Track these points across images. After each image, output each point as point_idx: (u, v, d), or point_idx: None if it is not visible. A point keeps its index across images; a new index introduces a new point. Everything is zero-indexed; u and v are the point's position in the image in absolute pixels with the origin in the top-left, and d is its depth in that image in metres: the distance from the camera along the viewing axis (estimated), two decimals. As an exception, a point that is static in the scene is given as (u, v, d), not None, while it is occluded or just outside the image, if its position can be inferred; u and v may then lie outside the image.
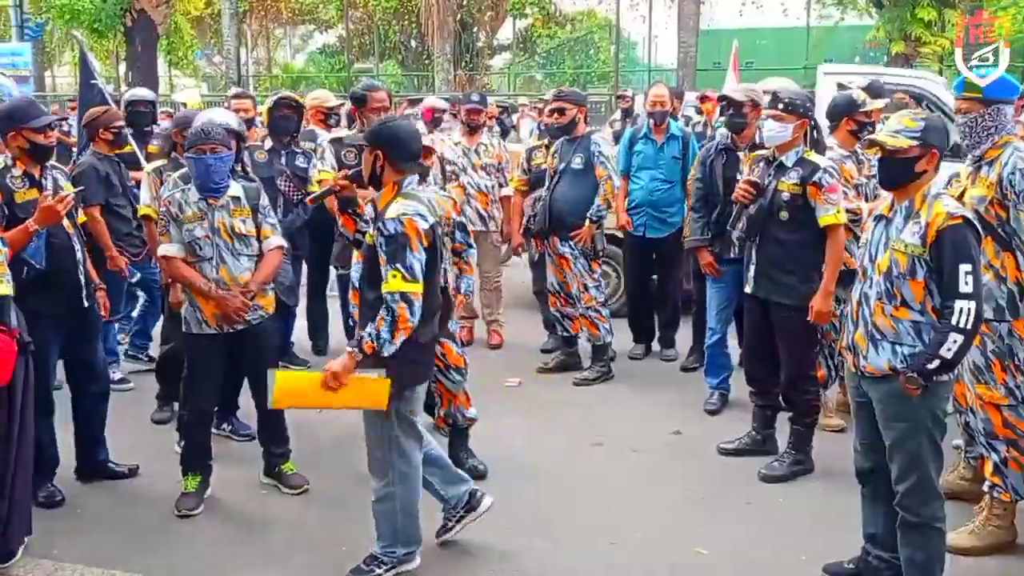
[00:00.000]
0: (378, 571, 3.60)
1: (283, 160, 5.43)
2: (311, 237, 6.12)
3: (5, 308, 3.58)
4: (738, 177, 5.12)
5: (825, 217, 4.33)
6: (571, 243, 5.85)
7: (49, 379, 4.22)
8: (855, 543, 3.59)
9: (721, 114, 5.67)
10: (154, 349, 6.01)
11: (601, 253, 5.97)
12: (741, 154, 5.20)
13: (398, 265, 3.30)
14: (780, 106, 4.39)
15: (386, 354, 3.34)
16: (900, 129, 3.21)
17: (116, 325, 5.99)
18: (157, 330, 5.84)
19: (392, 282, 3.30)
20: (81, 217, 4.45)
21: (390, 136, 3.49)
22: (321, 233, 6.00)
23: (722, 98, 5.36)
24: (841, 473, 4.12)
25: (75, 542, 3.92)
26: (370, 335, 3.30)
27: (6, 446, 3.62)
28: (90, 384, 4.44)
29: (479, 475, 4.54)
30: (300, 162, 5.64)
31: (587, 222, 5.77)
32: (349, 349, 3.36)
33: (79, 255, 4.19)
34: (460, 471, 3.95)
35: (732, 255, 5.21)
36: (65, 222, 4.09)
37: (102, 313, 4.46)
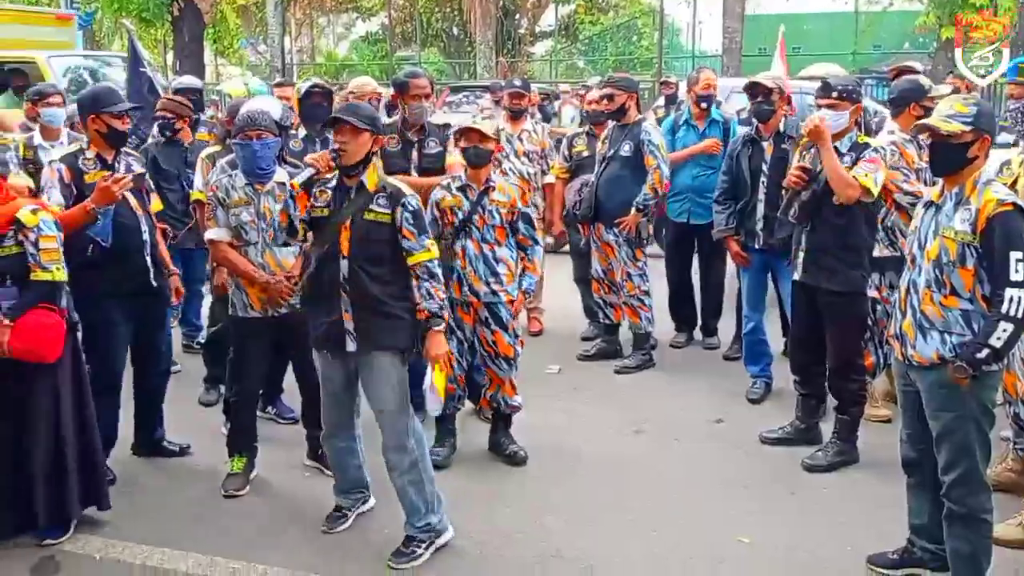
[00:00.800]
0: (419, 551, 3.65)
1: (317, 147, 5.46)
2: None
3: (59, 292, 3.71)
4: (763, 168, 5.07)
5: (855, 174, 4.19)
6: (616, 230, 5.83)
7: (115, 357, 4.31)
8: (900, 534, 3.55)
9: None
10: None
11: (646, 242, 5.94)
12: (765, 144, 5.12)
13: (429, 234, 3.65)
14: (834, 94, 4.31)
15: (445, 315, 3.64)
16: (953, 114, 3.14)
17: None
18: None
19: (433, 249, 3.60)
20: (156, 204, 4.55)
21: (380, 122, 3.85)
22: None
23: (752, 84, 5.25)
24: (886, 464, 4.06)
25: (125, 520, 4.01)
26: (440, 306, 3.58)
27: (60, 420, 3.75)
28: (153, 365, 4.55)
29: (519, 461, 4.57)
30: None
31: (633, 210, 5.74)
32: (436, 328, 3.58)
33: (145, 236, 4.28)
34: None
35: (758, 245, 5.17)
36: (133, 202, 4.23)
37: (173, 299, 4.57)
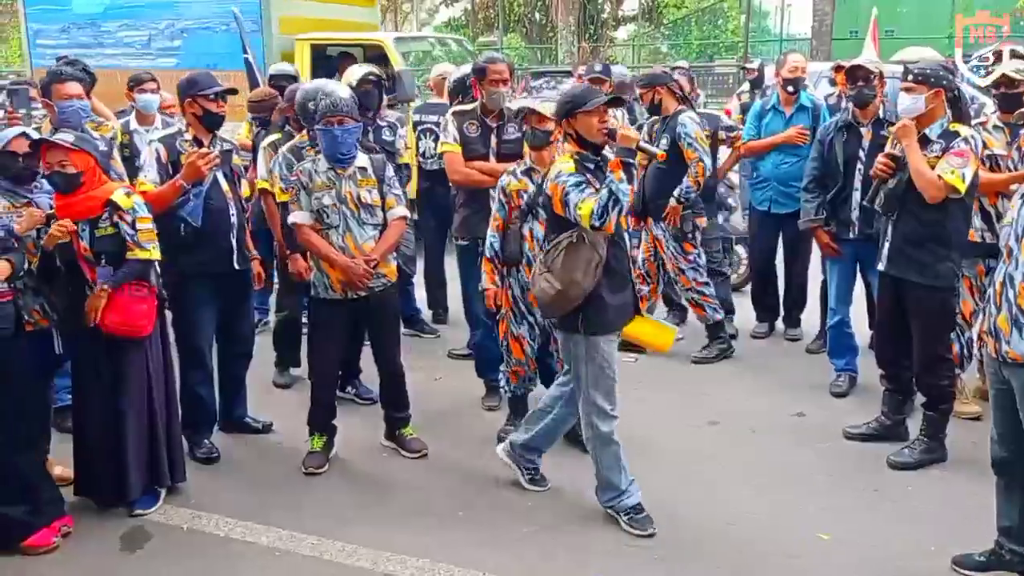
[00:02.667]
0: None
1: (370, 135, 5.50)
2: (426, 209, 6.23)
3: (151, 269, 3.88)
4: (860, 155, 4.89)
5: (941, 172, 4.02)
6: (663, 224, 5.76)
7: (201, 334, 4.45)
8: (987, 535, 3.43)
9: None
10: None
11: (691, 235, 5.82)
12: (864, 130, 4.95)
13: None
14: (910, 77, 4.15)
15: None
16: (1059, 101, 3.00)
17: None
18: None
19: None
20: (246, 190, 4.68)
21: None
22: (436, 204, 6.09)
23: (853, 68, 5.05)
24: (975, 462, 3.93)
25: (210, 493, 4.16)
26: None
27: (151, 394, 3.90)
28: (234, 345, 4.68)
29: (593, 448, 4.55)
30: (386, 135, 5.75)
31: (672, 201, 5.63)
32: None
33: (233, 220, 4.41)
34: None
35: (852, 235, 5.00)
36: (224, 186, 4.37)
37: (256, 284, 4.70)
